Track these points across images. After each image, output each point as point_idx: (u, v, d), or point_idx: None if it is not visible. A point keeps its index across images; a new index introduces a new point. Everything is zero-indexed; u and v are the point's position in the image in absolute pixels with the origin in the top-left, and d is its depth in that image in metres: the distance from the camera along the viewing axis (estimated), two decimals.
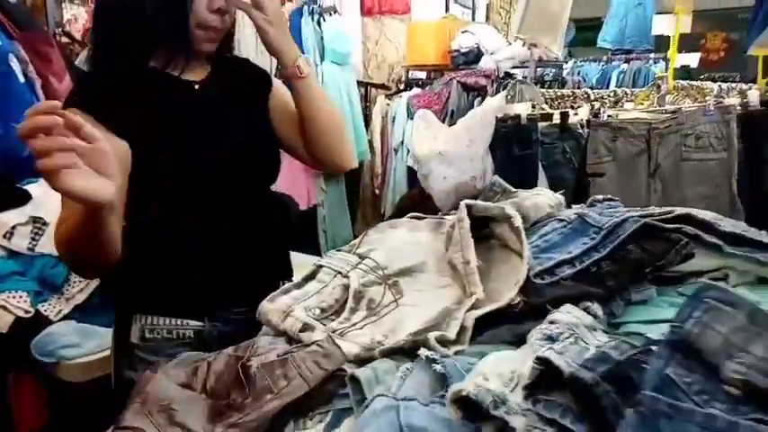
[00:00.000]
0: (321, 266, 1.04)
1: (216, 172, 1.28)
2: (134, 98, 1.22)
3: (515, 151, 2.75)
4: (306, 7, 3.93)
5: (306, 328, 0.90)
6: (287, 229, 1.55)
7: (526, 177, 2.60)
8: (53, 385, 2.06)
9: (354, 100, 4.22)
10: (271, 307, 0.97)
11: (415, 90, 4.43)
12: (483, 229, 1.01)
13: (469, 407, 0.62)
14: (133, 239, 1.15)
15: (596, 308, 0.83)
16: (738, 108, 2.41)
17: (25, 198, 2.25)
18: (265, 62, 1.59)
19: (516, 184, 1.22)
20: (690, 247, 0.89)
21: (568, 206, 1.14)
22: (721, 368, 0.54)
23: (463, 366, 0.73)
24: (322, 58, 3.98)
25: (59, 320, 2.10)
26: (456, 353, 0.80)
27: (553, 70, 5.11)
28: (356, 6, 4.72)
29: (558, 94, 3.35)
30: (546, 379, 0.61)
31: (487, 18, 5.88)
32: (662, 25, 3.44)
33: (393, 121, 4.29)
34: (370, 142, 4.39)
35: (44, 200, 2.23)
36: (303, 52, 3.76)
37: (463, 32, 4.51)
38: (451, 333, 0.82)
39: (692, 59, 4.93)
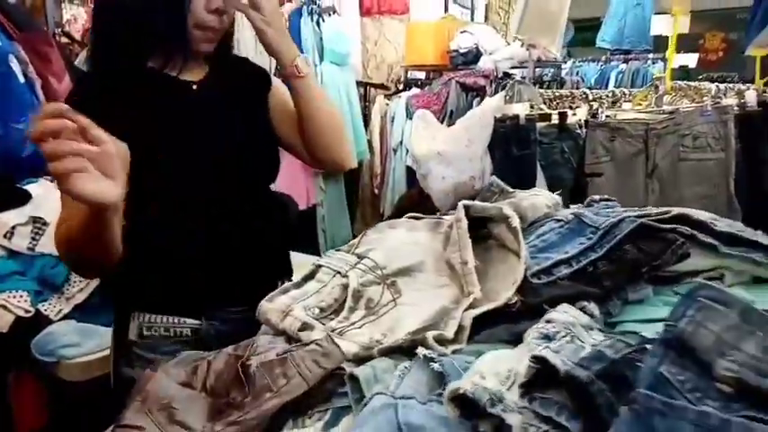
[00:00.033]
0: (320, 266, 1.04)
1: (215, 172, 1.29)
2: (132, 99, 1.23)
3: (514, 151, 2.76)
4: (305, 7, 3.94)
5: (305, 327, 0.91)
6: (286, 228, 1.56)
7: (525, 177, 2.61)
8: (53, 385, 2.07)
9: (353, 100, 4.23)
10: (270, 306, 0.98)
11: (414, 90, 4.43)
12: (481, 229, 1.02)
13: (467, 405, 0.63)
14: (133, 239, 1.16)
15: (593, 307, 0.84)
16: (736, 108, 2.42)
17: (25, 198, 2.26)
18: (264, 62, 1.59)
19: (515, 184, 1.22)
20: (686, 247, 0.90)
21: (566, 206, 1.15)
22: (714, 366, 0.55)
23: (461, 365, 0.74)
24: (321, 59, 3.98)
25: (59, 320, 2.11)
26: (454, 352, 0.80)
27: (552, 70, 5.12)
28: (355, 7, 4.72)
29: (557, 94, 3.36)
30: (542, 377, 0.62)
31: (486, 18, 5.88)
32: (660, 25, 3.45)
33: (392, 121, 4.30)
34: (370, 142, 4.39)
35: (44, 200, 2.24)
36: (302, 52, 3.76)
37: (462, 33, 4.52)
38: (449, 332, 0.82)
39: (691, 60, 4.95)
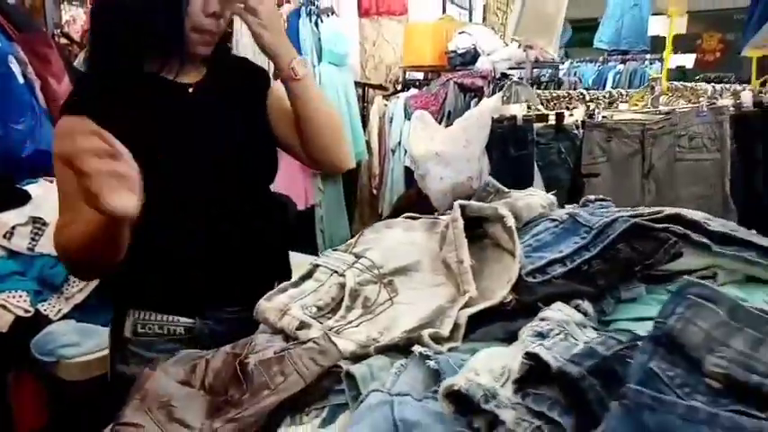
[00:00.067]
0: (318, 266, 1.06)
1: (214, 172, 1.30)
2: (129, 103, 1.24)
3: (511, 152, 2.77)
4: (303, 8, 3.94)
5: (302, 326, 0.92)
6: (285, 229, 1.57)
7: (522, 178, 2.62)
8: (53, 384, 2.08)
9: (352, 101, 4.23)
10: (268, 305, 0.99)
11: (413, 91, 4.44)
12: (476, 228, 1.03)
13: (461, 401, 0.64)
14: (133, 238, 1.17)
15: (587, 306, 0.85)
16: (731, 109, 2.43)
17: (25, 198, 2.27)
18: (263, 62, 1.60)
19: (512, 185, 1.23)
20: (678, 246, 0.91)
21: (563, 206, 1.16)
22: (703, 362, 0.56)
23: (456, 363, 0.75)
24: (320, 59, 3.99)
25: (59, 320, 2.12)
26: (449, 350, 0.81)
27: (549, 71, 5.14)
28: (354, 7, 4.73)
29: (554, 94, 3.37)
30: (535, 374, 0.63)
31: (484, 19, 5.89)
32: (658, 26, 3.46)
33: (390, 122, 4.30)
34: (368, 143, 4.40)
35: (44, 200, 2.24)
36: (301, 53, 3.76)
37: (460, 33, 4.52)
38: (445, 330, 0.83)
39: (688, 60, 4.95)
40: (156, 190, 0.99)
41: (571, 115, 2.79)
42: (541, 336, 0.72)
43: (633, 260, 0.89)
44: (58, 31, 3.41)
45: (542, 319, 0.77)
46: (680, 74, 4.93)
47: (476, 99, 3.90)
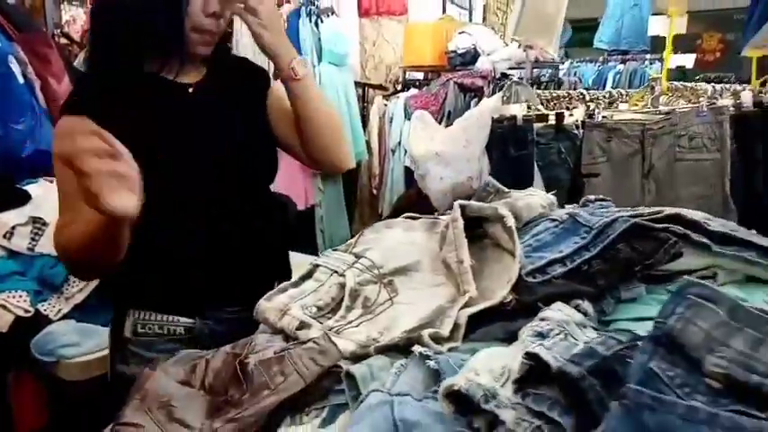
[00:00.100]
0: (318, 266, 1.06)
1: (214, 172, 1.30)
2: (129, 102, 1.24)
3: (511, 152, 2.77)
4: (303, 9, 3.95)
5: (302, 325, 0.92)
6: (285, 229, 1.57)
7: (522, 178, 2.62)
8: (53, 384, 2.08)
9: (352, 101, 4.24)
10: (268, 305, 0.99)
11: (413, 91, 4.44)
12: (476, 228, 1.03)
13: (461, 401, 0.64)
14: (133, 238, 1.17)
15: (587, 306, 0.85)
16: (731, 109, 2.43)
17: (25, 198, 2.27)
18: (263, 62, 1.60)
19: (512, 185, 1.23)
20: (678, 246, 0.91)
21: (563, 206, 1.16)
22: (703, 362, 0.56)
23: (456, 363, 0.75)
24: (320, 59, 3.99)
25: (59, 320, 2.12)
26: (449, 349, 0.81)
27: (549, 71, 5.14)
28: (354, 7, 4.73)
29: (554, 94, 3.37)
30: (535, 374, 0.63)
31: (484, 19, 5.89)
32: (658, 26, 3.46)
33: (390, 122, 4.30)
34: (368, 143, 4.40)
35: (44, 200, 2.24)
36: (301, 53, 3.76)
37: (460, 33, 4.52)
38: (445, 330, 0.83)
39: (688, 60, 4.95)
40: (155, 190, 0.99)
41: (571, 115, 2.79)
42: (541, 336, 0.72)
43: (633, 260, 0.89)
44: (58, 31, 3.41)
45: (542, 319, 0.77)
46: (680, 74, 4.93)
47: (476, 99, 3.90)
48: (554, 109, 3.04)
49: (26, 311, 2.06)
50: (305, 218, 4.04)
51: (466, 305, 0.87)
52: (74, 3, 3.70)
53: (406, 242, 1.09)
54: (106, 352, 1.42)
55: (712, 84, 3.35)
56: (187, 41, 1.25)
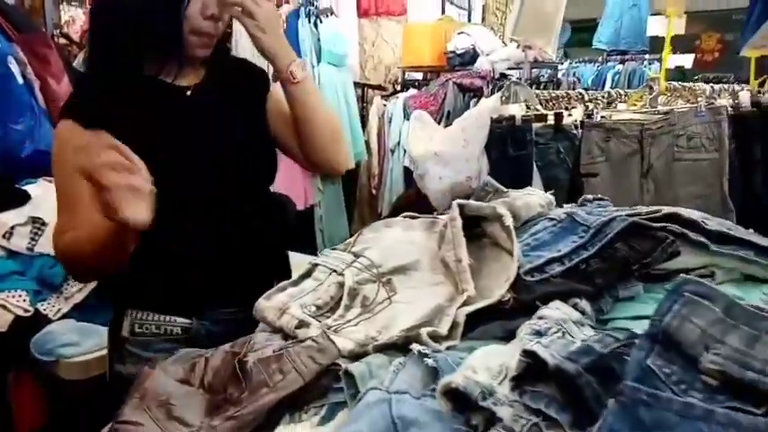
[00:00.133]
0: (317, 265, 1.06)
1: (213, 173, 1.30)
2: (128, 107, 1.24)
3: (510, 152, 2.77)
4: (303, 9, 3.95)
5: (301, 324, 0.92)
6: (285, 229, 1.57)
7: (521, 178, 2.62)
8: (52, 384, 2.08)
9: (351, 101, 4.24)
10: (267, 304, 0.99)
11: (412, 91, 4.45)
12: (475, 228, 1.03)
13: (459, 399, 0.64)
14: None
15: (585, 304, 0.85)
16: (730, 109, 2.44)
17: (24, 198, 2.27)
18: (263, 63, 1.60)
19: (511, 185, 1.23)
20: (676, 245, 0.91)
21: (562, 206, 1.16)
22: (699, 359, 0.56)
23: (454, 361, 0.75)
24: (319, 60, 4.00)
25: (58, 319, 2.12)
26: (448, 348, 0.81)
27: (548, 71, 5.14)
28: (353, 8, 4.74)
29: (553, 95, 3.37)
30: (532, 371, 0.63)
31: (483, 19, 5.90)
32: (656, 26, 3.46)
33: (389, 122, 4.31)
34: (367, 143, 4.40)
35: (43, 200, 2.25)
36: (300, 54, 3.76)
37: (459, 34, 4.53)
38: (443, 329, 0.84)
39: (687, 60, 4.96)
40: (156, 191, 1.01)
41: (570, 115, 2.80)
42: (539, 334, 0.73)
43: (631, 259, 0.90)
44: (58, 31, 3.41)
45: (540, 318, 0.77)
46: (679, 74, 4.94)
47: (475, 99, 3.91)
48: (553, 109, 3.04)
49: (26, 311, 2.06)
50: (304, 218, 4.04)
51: (464, 304, 0.87)
52: (73, 3, 3.70)
53: (404, 241, 1.09)
54: (105, 351, 1.42)
55: (711, 84, 3.36)
56: (186, 44, 1.25)
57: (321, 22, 4.02)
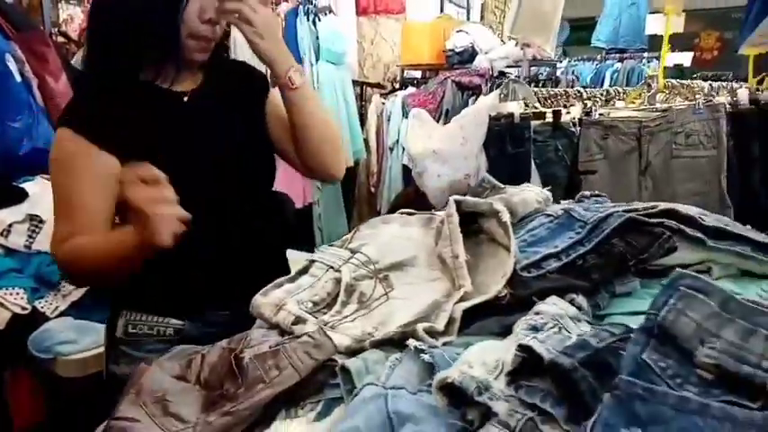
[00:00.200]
0: (314, 261, 1.06)
1: (212, 176, 1.29)
2: (125, 114, 1.24)
3: (509, 149, 2.78)
4: (301, 7, 3.94)
5: (298, 320, 0.92)
6: (285, 229, 1.57)
7: (519, 175, 2.62)
8: (50, 381, 2.08)
9: (350, 99, 4.24)
10: (264, 300, 0.99)
11: (410, 89, 4.44)
12: (472, 224, 1.03)
13: (455, 393, 0.64)
14: None
15: (581, 300, 0.85)
16: (728, 106, 2.44)
17: (22, 196, 2.27)
18: (262, 66, 1.59)
19: (509, 182, 1.23)
20: (672, 240, 0.91)
21: (559, 203, 1.16)
22: (694, 353, 0.56)
23: (451, 356, 0.75)
24: (317, 58, 3.99)
25: (56, 317, 2.12)
26: (444, 344, 0.82)
27: (547, 69, 5.14)
28: (351, 6, 4.73)
29: (551, 92, 3.38)
30: (528, 366, 0.63)
31: (482, 18, 5.90)
32: (655, 25, 3.46)
33: (388, 120, 4.30)
34: (366, 141, 4.40)
35: (40, 198, 2.25)
36: (299, 52, 3.75)
37: (458, 32, 4.53)
38: (440, 324, 0.84)
39: (685, 58, 4.96)
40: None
41: (568, 113, 2.80)
42: (535, 329, 0.73)
43: (628, 255, 0.90)
44: (56, 29, 3.41)
45: (537, 313, 0.77)
46: (678, 72, 4.94)
47: (473, 97, 3.91)
48: (551, 107, 3.05)
49: (23, 309, 2.06)
50: (303, 216, 4.04)
51: (461, 300, 0.87)
52: (71, 1, 3.70)
53: (401, 237, 1.09)
54: (102, 349, 1.42)
55: (709, 81, 3.36)
56: (183, 48, 1.25)
57: (320, 20, 4.01)
